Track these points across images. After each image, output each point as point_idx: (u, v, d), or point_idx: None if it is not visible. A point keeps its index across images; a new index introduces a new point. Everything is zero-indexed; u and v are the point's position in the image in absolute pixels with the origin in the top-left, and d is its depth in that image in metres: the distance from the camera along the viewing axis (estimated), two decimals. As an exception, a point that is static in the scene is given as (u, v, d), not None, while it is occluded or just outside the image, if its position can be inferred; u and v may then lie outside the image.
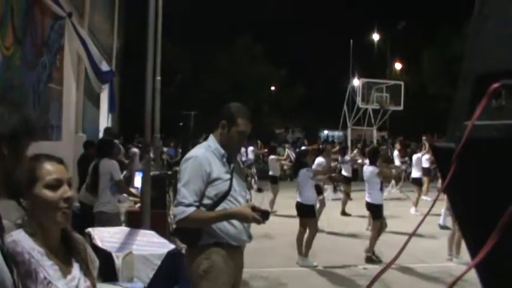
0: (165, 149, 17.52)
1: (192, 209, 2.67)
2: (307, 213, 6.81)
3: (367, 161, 7.48)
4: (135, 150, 10.85)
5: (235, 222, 2.74)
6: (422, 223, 1.18)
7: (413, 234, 1.14)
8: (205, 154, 2.78)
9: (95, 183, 5.73)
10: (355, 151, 15.22)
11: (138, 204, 5.96)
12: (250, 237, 2.88)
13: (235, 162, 2.88)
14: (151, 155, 6.60)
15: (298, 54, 32.29)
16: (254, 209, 2.65)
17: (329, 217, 9.67)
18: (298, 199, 6.89)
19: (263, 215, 2.64)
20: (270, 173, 11.80)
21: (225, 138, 2.82)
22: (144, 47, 5.58)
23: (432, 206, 1.23)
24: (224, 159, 2.80)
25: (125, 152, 9.76)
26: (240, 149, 2.96)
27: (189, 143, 12.52)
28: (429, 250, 7.29)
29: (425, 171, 12.56)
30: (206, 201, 2.73)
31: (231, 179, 2.77)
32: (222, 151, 2.81)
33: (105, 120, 12.92)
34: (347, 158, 12.15)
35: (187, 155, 2.81)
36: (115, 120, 15.12)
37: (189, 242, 2.81)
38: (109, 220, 5.50)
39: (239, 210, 2.67)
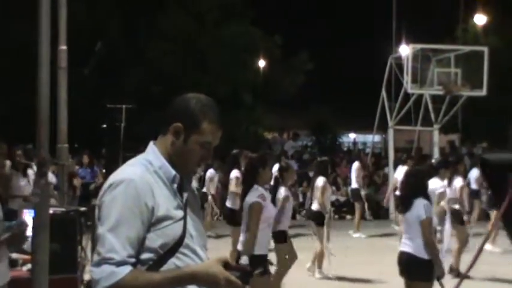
0: (77, 169, 18.37)
1: (126, 270, 2.79)
2: (419, 276, 6.94)
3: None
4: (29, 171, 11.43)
5: None
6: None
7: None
8: (144, 176, 2.92)
9: None
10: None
11: (28, 266, 6.19)
12: None
13: (189, 190, 3.08)
14: (52, 179, 7.00)
15: (303, 7, 32.21)
16: (227, 265, 2.81)
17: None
18: (406, 248, 7.12)
19: (243, 275, 2.81)
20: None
21: (178, 151, 3.00)
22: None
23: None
24: (174, 186, 2.97)
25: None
26: (196, 170, 3.19)
27: (118, 158, 12.73)
28: None
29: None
30: (146, 255, 2.88)
31: (184, 218, 2.94)
32: (172, 172, 2.98)
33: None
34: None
35: (114, 178, 2.95)
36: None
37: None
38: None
39: (204, 268, 2.84)
